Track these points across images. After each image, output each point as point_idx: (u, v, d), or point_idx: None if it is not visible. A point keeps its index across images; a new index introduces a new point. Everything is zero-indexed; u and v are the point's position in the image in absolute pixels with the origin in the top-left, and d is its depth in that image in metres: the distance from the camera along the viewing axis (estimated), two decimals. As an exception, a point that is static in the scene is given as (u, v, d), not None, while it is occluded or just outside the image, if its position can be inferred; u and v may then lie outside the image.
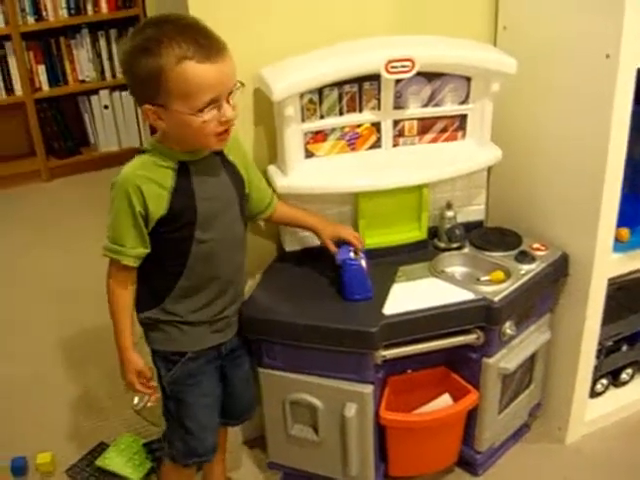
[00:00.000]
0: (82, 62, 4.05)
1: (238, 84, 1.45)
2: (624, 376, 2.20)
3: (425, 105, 1.86)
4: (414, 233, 1.92)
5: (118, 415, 2.27)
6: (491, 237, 1.94)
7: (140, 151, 1.53)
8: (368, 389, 1.73)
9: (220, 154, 1.57)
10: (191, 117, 1.40)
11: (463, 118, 1.90)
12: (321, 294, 1.77)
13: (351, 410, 1.74)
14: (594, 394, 2.13)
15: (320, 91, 1.76)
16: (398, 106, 1.84)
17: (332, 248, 1.76)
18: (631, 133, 1.74)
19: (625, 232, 1.88)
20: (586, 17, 1.70)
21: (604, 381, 2.15)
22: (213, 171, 1.56)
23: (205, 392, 1.67)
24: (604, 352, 2.08)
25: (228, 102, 1.43)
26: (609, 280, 1.92)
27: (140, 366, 1.60)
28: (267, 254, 1.94)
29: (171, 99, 1.39)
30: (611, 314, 2.02)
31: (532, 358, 1.95)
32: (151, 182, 1.47)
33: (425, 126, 1.88)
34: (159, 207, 1.48)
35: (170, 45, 1.36)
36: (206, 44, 1.38)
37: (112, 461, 2.06)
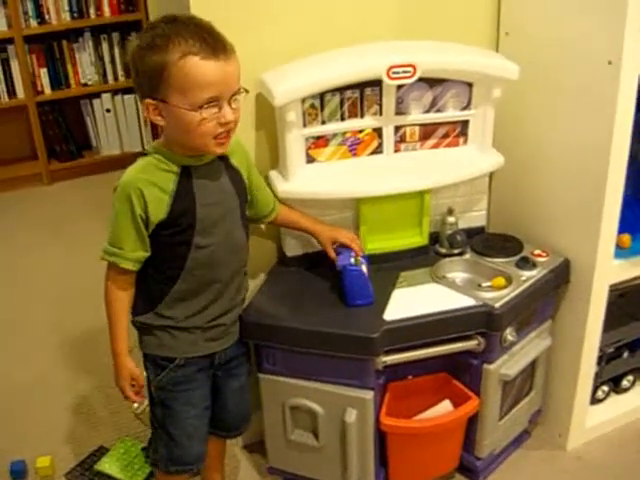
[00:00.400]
0: (84, 65, 4.06)
1: (242, 90, 1.45)
2: (625, 383, 2.19)
3: (427, 111, 1.86)
4: (415, 239, 1.92)
5: (118, 419, 2.27)
6: (492, 243, 1.94)
7: (143, 154, 1.53)
8: (369, 395, 1.73)
9: (224, 159, 1.57)
10: (189, 113, 1.40)
11: (465, 124, 1.90)
12: (322, 299, 1.77)
13: (351, 416, 1.74)
14: (595, 401, 2.13)
15: (321, 96, 1.76)
16: (400, 112, 1.84)
17: (332, 254, 1.76)
18: (633, 139, 1.74)
19: (626, 238, 1.88)
20: (588, 23, 1.70)
21: (605, 388, 2.15)
22: (215, 176, 1.55)
23: (193, 401, 1.65)
24: (605, 359, 2.08)
25: (230, 105, 1.43)
26: (610, 286, 1.91)
27: (134, 372, 1.59)
28: (268, 259, 1.94)
29: (171, 93, 1.39)
30: (612, 321, 2.01)
31: (533, 364, 1.95)
32: (153, 185, 1.47)
33: (427, 132, 1.88)
34: (159, 211, 1.47)
35: (177, 41, 1.37)
36: (212, 42, 1.39)
37: (111, 465, 2.06)
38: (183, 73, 1.37)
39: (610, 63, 1.65)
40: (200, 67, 1.37)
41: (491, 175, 2.02)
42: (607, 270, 1.87)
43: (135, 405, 2.06)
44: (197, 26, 1.41)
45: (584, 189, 1.82)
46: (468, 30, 1.95)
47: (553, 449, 2.08)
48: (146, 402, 2.00)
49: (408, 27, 1.89)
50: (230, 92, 1.42)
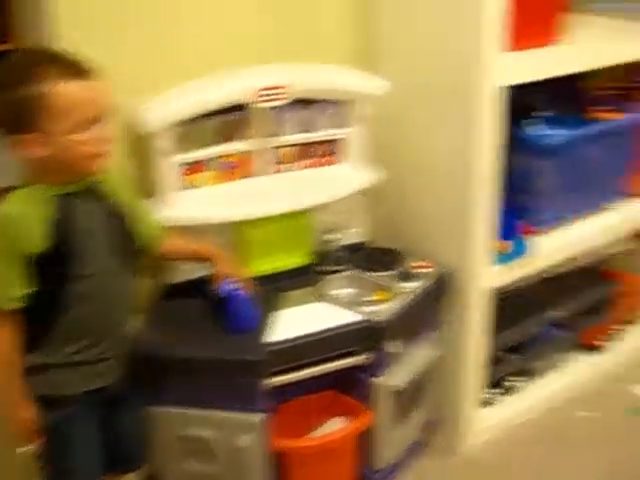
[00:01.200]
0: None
1: (111, 110, 1.44)
2: (514, 384, 2.26)
3: (302, 131, 1.89)
4: (299, 258, 1.94)
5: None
6: (374, 257, 1.97)
7: (12, 188, 1.48)
8: (259, 418, 1.72)
9: (96, 187, 1.53)
10: (73, 135, 1.38)
11: (340, 142, 1.93)
12: (205, 326, 1.75)
13: (244, 440, 1.73)
14: (485, 404, 2.18)
15: (194, 121, 1.75)
16: (275, 133, 1.85)
17: (218, 281, 1.74)
18: (508, 152, 1.82)
19: (506, 244, 1.94)
20: (448, 34, 1.76)
21: (494, 391, 2.21)
22: (90, 204, 1.51)
23: (83, 439, 1.60)
24: (493, 362, 2.13)
25: (105, 124, 1.43)
26: (493, 291, 1.97)
27: (35, 420, 1.52)
28: (150, 289, 1.90)
29: (51, 121, 1.36)
30: (498, 324, 2.07)
31: (422, 374, 1.98)
32: (30, 217, 1.42)
33: (303, 152, 1.90)
34: (39, 242, 1.42)
35: (41, 70, 1.35)
36: (75, 65, 1.39)
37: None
38: (60, 99, 1.35)
39: (469, 75, 1.71)
40: (74, 89, 1.36)
41: (376, 190, 2.05)
42: (487, 276, 1.93)
43: (22, 449, 1.98)
44: (53, 53, 1.40)
45: (456, 200, 1.88)
46: (339, 50, 1.98)
47: (449, 456, 2.12)
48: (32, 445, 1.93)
49: (280, 50, 1.90)
50: (104, 110, 1.42)
